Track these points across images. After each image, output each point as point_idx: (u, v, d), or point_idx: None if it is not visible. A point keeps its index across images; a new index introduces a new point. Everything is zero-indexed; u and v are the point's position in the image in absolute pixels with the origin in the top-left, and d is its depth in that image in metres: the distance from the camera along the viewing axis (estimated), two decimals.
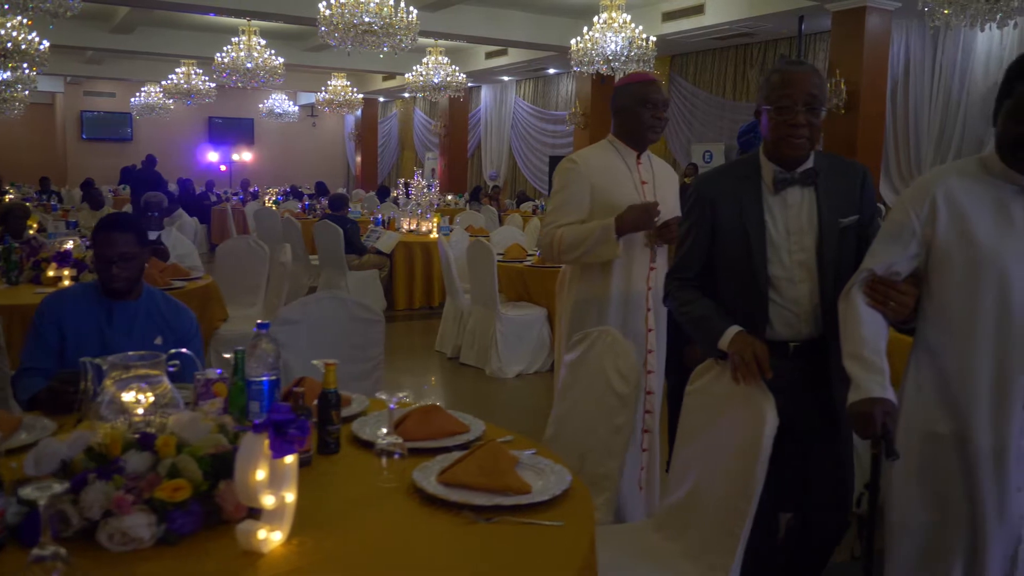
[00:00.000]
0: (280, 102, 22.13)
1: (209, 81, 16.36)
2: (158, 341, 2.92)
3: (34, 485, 1.49)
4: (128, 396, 1.84)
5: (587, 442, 2.62)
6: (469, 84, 17.93)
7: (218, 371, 2.15)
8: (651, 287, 3.29)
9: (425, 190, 9.89)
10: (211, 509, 1.68)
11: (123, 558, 1.55)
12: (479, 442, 2.16)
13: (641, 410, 3.28)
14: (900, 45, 11.32)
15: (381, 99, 24.17)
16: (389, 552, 1.64)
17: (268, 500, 1.60)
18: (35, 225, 6.40)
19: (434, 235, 9.17)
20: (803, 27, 11.28)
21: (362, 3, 9.50)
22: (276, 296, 5.60)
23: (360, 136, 24.52)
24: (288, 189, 17.72)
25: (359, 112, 22.79)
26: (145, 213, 6.35)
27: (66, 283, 4.59)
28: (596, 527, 2.45)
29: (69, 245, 4.95)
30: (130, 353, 1.89)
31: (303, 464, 2.05)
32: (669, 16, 12.49)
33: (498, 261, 6.67)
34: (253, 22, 13.30)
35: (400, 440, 2.02)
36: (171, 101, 19.17)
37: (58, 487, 1.49)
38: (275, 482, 1.61)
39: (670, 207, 3.33)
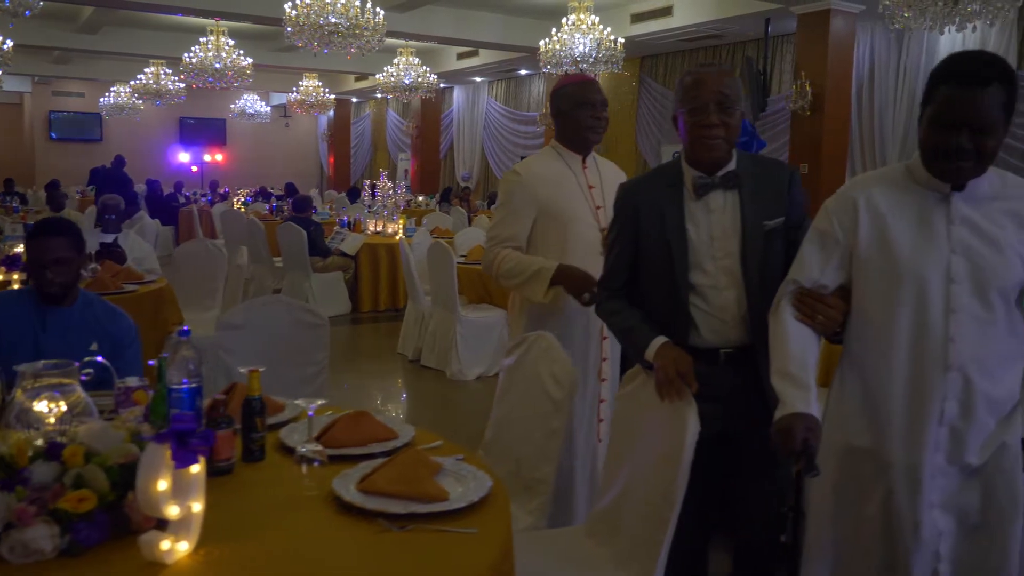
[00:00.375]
0: (252, 102, 21.95)
1: (179, 81, 16.23)
2: (93, 347, 2.89)
3: None
4: (40, 406, 1.82)
5: (523, 446, 2.63)
6: (441, 85, 17.89)
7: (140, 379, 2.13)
8: None
9: (391, 192, 9.86)
10: (120, 519, 1.66)
11: (24, 570, 1.53)
12: (405, 449, 2.15)
13: (595, 417, 3.27)
14: (865, 47, 11.40)
15: (354, 100, 24.07)
16: (297, 561, 1.63)
17: (172, 510, 1.58)
18: None
19: (400, 237, 9.15)
20: (769, 29, 11.34)
21: (328, 4, 9.45)
22: (233, 299, 5.57)
23: (333, 137, 24.42)
24: (257, 190, 17.60)
25: (332, 112, 22.69)
26: (102, 216, 6.30)
27: (15, 287, 4.54)
28: (529, 532, 2.46)
29: (20, 249, 4.89)
30: (42, 362, 1.87)
31: (224, 472, 2.05)
32: (638, 18, 12.52)
33: (461, 263, 6.66)
34: (222, 22, 13.21)
35: (320, 447, 2.01)
36: (141, 101, 19.01)
37: None
38: (180, 492, 1.59)
39: None
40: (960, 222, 2.02)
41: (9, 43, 11.40)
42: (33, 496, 1.60)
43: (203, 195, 17.29)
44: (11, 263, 4.68)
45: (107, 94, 20.72)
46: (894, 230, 2.04)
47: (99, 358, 2.17)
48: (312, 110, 19.07)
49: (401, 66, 14.67)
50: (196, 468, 1.61)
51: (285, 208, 12.85)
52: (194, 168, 24.12)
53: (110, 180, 13.75)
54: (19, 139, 23.00)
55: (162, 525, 1.61)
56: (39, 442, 1.72)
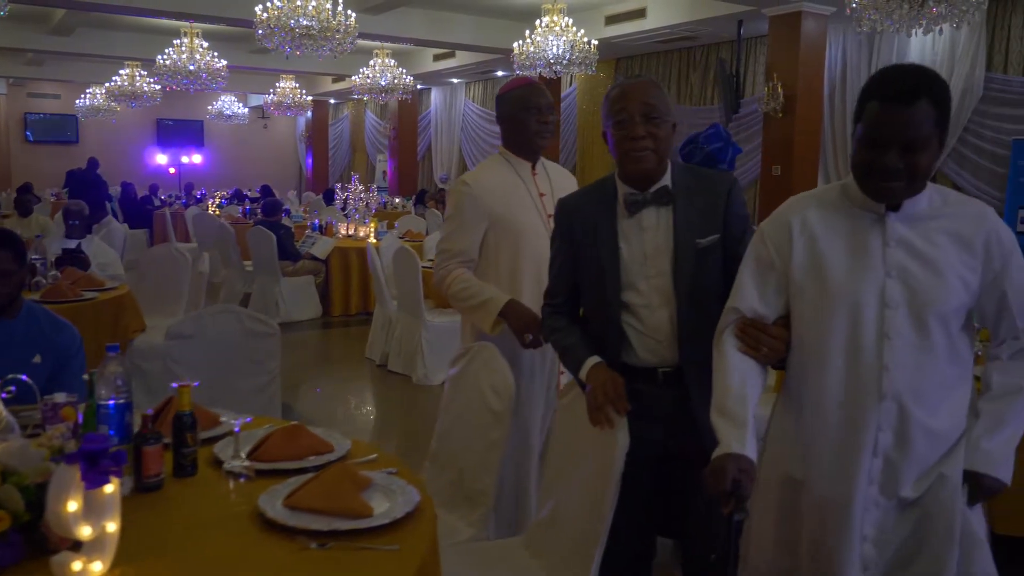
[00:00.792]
0: (229, 104, 21.82)
1: (154, 83, 16.12)
2: (37, 360, 2.87)
3: None
4: None
5: (465, 457, 2.63)
6: (419, 86, 17.85)
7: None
8: None
9: (363, 194, 9.83)
10: (36, 540, 1.65)
11: None
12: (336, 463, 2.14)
13: (538, 430, 3.25)
14: (837, 49, 11.47)
15: (332, 101, 23.99)
16: None
17: (85, 531, 1.57)
18: None
19: (372, 240, 9.13)
20: (742, 31, 11.40)
21: (299, 6, 9.42)
22: (195, 306, 5.54)
23: (311, 138, 24.33)
24: (232, 192, 17.51)
25: (310, 114, 22.62)
26: (66, 221, 6.27)
27: None
28: (469, 544, 2.46)
29: None
30: None
31: (154, 488, 2.04)
32: (612, 19, 12.54)
33: (427, 267, 6.64)
34: (195, 24, 13.13)
35: (248, 463, 2.00)
36: (117, 103, 18.88)
37: None
38: (93, 512, 1.59)
39: None
40: (896, 244, 1.93)
41: None
42: None
43: (178, 198, 17.18)
44: None
45: (83, 96, 20.57)
46: (828, 253, 1.96)
47: (23, 376, 2.15)
48: (290, 111, 19.00)
49: (377, 67, 14.63)
50: (110, 488, 1.60)
51: (258, 211, 12.79)
52: (172, 170, 23.96)
53: (84, 182, 13.64)
54: None
55: (78, 546, 1.61)
56: None
